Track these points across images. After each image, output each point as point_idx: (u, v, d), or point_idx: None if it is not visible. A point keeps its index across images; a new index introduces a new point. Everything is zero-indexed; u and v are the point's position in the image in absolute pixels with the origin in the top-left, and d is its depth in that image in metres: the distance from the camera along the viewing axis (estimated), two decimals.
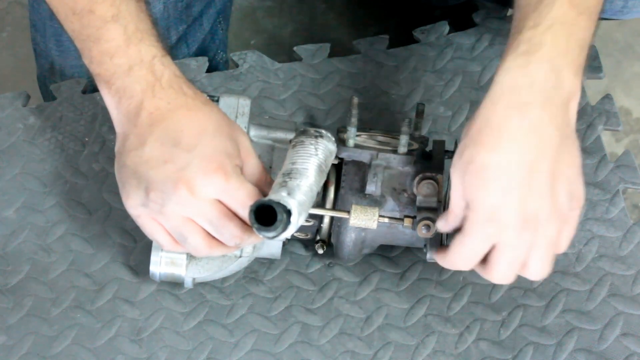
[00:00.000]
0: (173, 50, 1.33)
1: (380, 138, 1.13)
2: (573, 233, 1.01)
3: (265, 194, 1.02)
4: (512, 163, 0.96)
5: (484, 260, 1.01)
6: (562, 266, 1.19)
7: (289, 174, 1.00)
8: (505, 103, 0.97)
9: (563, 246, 1.02)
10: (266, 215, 0.97)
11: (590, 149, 1.25)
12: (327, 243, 1.14)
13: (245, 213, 1.00)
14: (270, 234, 0.97)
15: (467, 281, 1.17)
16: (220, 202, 1.01)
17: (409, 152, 1.10)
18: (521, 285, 1.18)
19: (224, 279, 1.17)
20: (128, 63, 1.02)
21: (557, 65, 0.98)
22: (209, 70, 1.30)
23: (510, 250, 0.99)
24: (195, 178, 1.00)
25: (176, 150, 1.00)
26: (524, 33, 0.99)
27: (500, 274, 1.01)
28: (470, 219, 0.98)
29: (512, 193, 0.96)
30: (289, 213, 0.97)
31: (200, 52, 1.35)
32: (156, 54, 1.03)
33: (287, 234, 0.98)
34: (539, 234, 0.98)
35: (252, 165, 1.05)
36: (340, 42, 1.42)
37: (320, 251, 1.13)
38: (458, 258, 1.01)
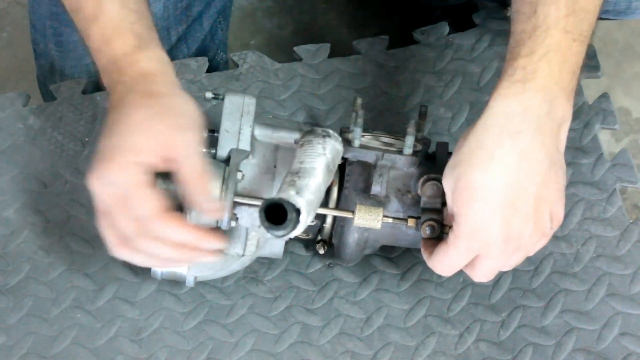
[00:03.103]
0: (173, 50, 1.33)
1: (385, 139, 1.13)
2: (546, 243, 1.05)
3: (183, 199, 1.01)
4: (500, 185, 1.00)
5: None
6: (561, 266, 1.19)
7: (297, 173, 1.01)
8: (499, 129, 1.00)
9: (533, 252, 1.06)
10: (274, 213, 0.97)
11: (587, 148, 1.25)
12: (328, 243, 1.14)
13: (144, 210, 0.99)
14: (280, 233, 0.97)
15: (467, 282, 1.17)
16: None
17: (413, 154, 1.10)
18: (520, 286, 1.18)
19: (223, 279, 1.17)
20: (105, 59, 1.04)
21: (550, 93, 1.01)
22: (209, 71, 1.30)
23: (491, 262, 1.03)
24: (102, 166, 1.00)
25: (107, 139, 1.01)
26: (519, 60, 1.01)
27: (480, 277, 1.05)
28: (455, 232, 1.02)
29: (497, 213, 1.00)
30: (298, 212, 0.97)
31: (200, 52, 1.35)
32: (127, 51, 1.03)
33: (296, 232, 0.98)
34: (520, 249, 1.03)
35: (190, 167, 1.01)
36: (341, 43, 1.42)
37: (322, 251, 1.13)
38: (439, 264, 1.05)
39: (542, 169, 1.00)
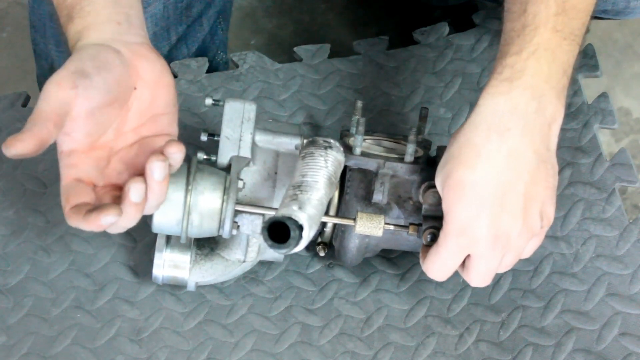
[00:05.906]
0: (173, 50, 1.33)
1: (386, 143, 1.13)
2: (539, 244, 1.06)
3: None
4: (488, 182, 1.00)
5: (463, 264, 1.05)
6: (561, 266, 1.19)
7: (299, 187, 1.00)
8: (487, 126, 1.00)
9: (528, 254, 1.06)
10: (277, 230, 0.97)
11: (586, 148, 1.25)
12: (328, 245, 1.14)
13: None
14: (284, 251, 0.97)
15: (467, 283, 1.17)
16: None
17: (415, 160, 1.10)
18: (520, 286, 1.18)
19: None
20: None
21: (539, 91, 1.00)
22: (209, 71, 1.30)
23: (483, 262, 1.03)
24: None
25: None
26: (508, 59, 1.01)
27: (476, 280, 1.06)
28: (444, 230, 1.02)
29: (485, 210, 1.00)
30: (301, 228, 0.97)
31: (200, 52, 1.36)
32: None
33: (299, 248, 0.98)
34: (510, 248, 1.03)
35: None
36: (341, 43, 1.42)
37: (322, 253, 1.13)
38: (432, 267, 1.05)
39: (531, 167, 1.00)
